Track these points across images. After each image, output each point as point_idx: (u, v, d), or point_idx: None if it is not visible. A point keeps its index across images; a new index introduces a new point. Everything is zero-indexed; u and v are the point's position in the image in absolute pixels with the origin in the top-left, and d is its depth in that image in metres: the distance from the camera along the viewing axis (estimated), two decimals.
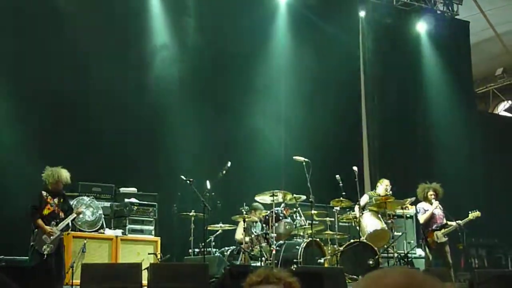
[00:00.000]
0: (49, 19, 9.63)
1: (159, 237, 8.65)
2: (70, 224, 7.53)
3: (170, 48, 10.71)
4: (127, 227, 8.54)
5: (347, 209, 9.33)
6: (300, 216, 8.98)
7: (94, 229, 8.34)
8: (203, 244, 8.19)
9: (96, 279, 5.92)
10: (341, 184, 8.73)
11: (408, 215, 9.65)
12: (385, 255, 8.97)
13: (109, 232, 8.37)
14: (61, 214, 7.41)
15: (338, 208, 8.89)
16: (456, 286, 8.14)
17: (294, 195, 8.86)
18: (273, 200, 8.60)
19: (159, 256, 8.26)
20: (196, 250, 8.59)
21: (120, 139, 9.76)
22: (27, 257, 7.30)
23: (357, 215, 8.94)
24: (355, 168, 8.77)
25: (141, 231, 8.66)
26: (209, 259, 7.91)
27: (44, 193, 7.36)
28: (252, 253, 8.38)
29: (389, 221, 8.91)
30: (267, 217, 8.84)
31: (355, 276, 7.90)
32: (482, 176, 13.39)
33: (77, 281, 6.59)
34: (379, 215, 9.02)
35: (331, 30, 12.06)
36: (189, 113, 10.48)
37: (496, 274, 6.93)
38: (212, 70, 10.96)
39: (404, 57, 13.40)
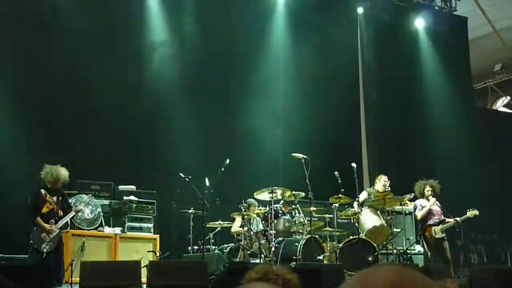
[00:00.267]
0: (48, 18, 9.64)
1: (158, 235, 8.65)
2: (69, 222, 7.53)
3: (169, 46, 10.72)
4: (126, 225, 8.55)
5: (346, 206, 9.32)
6: (299, 213, 8.98)
7: (93, 227, 8.34)
8: (202, 241, 8.19)
9: (95, 277, 5.90)
10: (339, 181, 8.71)
11: (407, 212, 9.65)
12: (384, 251, 8.97)
13: (108, 230, 8.37)
14: (60, 212, 7.41)
15: (337, 205, 8.89)
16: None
17: (293, 192, 8.86)
18: (272, 197, 8.59)
19: (158, 254, 8.26)
20: (195, 247, 8.60)
21: (119, 137, 9.78)
22: (26, 255, 7.31)
23: (356, 212, 8.94)
24: (353, 164, 8.76)
25: (140, 229, 8.66)
26: (208, 256, 7.90)
27: (43, 191, 7.36)
28: (251, 250, 8.38)
29: (388, 218, 8.93)
30: (266, 214, 8.84)
31: (354, 273, 7.87)
32: (481, 171, 13.39)
33: (76, 279, 6.61)
34: (378, 212, 9.03)
35: (329, 27, 12.04)
36: (187, 110, 10.48)
37: (496, 270, 6.93)
38: (210, 68, 10.94)
39: (403, 53, 13.40)
